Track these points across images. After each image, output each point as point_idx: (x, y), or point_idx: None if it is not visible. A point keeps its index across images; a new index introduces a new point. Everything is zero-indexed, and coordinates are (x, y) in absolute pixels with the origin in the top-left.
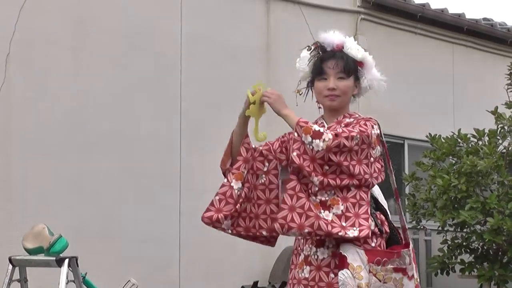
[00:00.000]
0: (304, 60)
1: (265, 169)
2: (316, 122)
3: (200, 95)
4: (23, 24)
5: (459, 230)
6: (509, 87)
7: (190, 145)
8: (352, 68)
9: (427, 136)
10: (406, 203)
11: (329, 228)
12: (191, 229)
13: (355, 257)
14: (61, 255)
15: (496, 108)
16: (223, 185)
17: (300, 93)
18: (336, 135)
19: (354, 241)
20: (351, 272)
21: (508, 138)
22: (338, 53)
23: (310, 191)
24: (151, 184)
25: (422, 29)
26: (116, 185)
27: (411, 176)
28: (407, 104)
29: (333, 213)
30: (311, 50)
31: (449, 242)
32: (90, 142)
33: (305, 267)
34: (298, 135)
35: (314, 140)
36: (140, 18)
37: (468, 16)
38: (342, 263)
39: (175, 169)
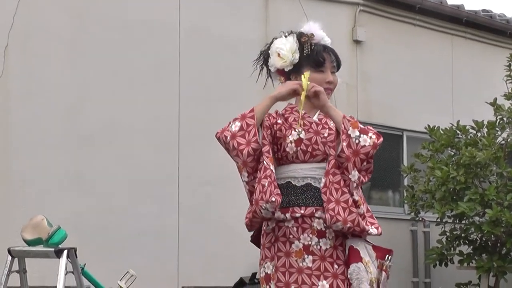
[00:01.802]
0: (290, 48)
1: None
2: (292, 110)
3: (198, 88)
4: (21, 16)
5: (457, 221)
6: (508, 78)
7: (189, 138)
8: (340, 65)
9: (425, 128)
10: (405, 194)
11: (364, 225)
12: (190, 221)
13: (365, 251)
14: (60, 246)
15: (495, 99)
16: (265, 168)
17: (282, 81)
18: (378, 135)
19: (361, 236)
20: (364, 266)
21: (507, 130)
22: (330, 47)
23: (349, 189)
24: (149, 176)
25: (421, 20)
26: (115, 178)
27: (409, 168)
28: (406, 96)
29: (359, 213)
30: (305, 41)
31: (448, 234)
32: (88, 134)
33: (306, 256)
34: (345, 128)
35: (361, 135)
36: (138, 10)
37: (467, 7)
38: (355, 256)
39: (174, 162)
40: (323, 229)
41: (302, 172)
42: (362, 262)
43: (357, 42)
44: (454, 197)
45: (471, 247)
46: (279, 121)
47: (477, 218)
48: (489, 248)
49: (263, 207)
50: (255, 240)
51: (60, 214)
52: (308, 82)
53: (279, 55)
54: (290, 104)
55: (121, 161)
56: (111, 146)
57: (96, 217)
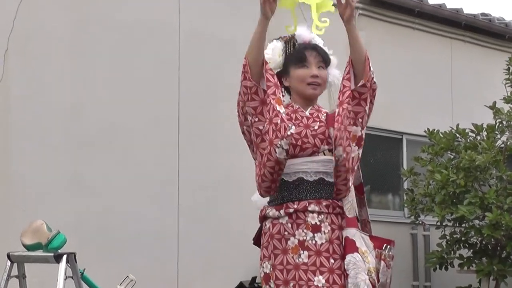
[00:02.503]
0: (276, 50)
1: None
2: (288, 105)
3: (198, 91)
4: (21, 20)
5: (457, 225)
6: (507, 82)
7: (188, 141)
8: (329, 60)
9: (425, 131)
10: (405, 198)
11: (350, 165)
12: (190, 224)
13: (361, 241)
14: (59, 251)
15: (495, 103)
16: (273, 109)
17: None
18: None
19: (356, 226)
20: (361, 256)
21: (507, 133)
22: (314, 44)
23: (361, 121)
24: (149, 178)
25: (420, 24)
26: (114, 181)
27: (409, 171)
28: (406, 99)
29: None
30: (287, 41)
31: (448, 237)
32: (88, 137)
33: (302, 252)
34: (369, 59)
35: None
36: (138, 12)
37: (466, 11)
38: (351, 247)
39: (174, 164)
40: (318, 223)
41: (293, 167)
42: (358, 252)
43: None
44: (454, 200)
45: (471, 250)
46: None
47: (477, 222)
48: (489, 252)
49: (278, 145)
50: (258, 242)
51: (60, 216)
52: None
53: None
54: (288, 102)
55: (121, 163)
56: (111, 148)
57: (96, 219)
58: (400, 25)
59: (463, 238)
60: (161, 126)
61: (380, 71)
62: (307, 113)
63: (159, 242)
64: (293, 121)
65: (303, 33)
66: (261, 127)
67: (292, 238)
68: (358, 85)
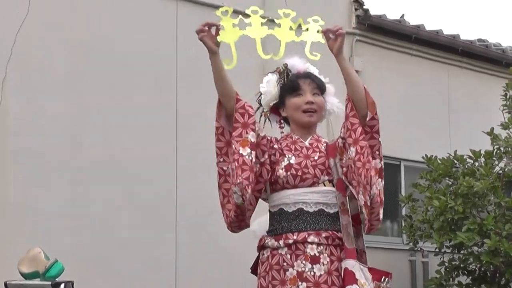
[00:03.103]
0: (271, 82)
1: (262, 159)
2: (287, 136)
3: (196, 118)
4: (19, 48)
5: (456, 251)
6: (504, 108)
7: (186, 167)
8: (323, 88)
9: (423, 157)
10: (403, 224)
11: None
12: (187, 251)
13: (360, 273)
14: (57, 279)
15: (492, 129)
16: (233, 152)
17: (268, 115)
18: None
19: (355, 258)
20: None
21: (504, 159)
22: (308, 72)
23: (378, 153)
24: (147, 207)
25: (417, 50)
26: (112, 208)
27: (407, 198)
28: (403, 125)
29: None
30: (281, 71)
31: (447, 264)
32: (86, 165)
33: (300, 283)
34: (368, 92)
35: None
36: (135, 40)
37: (463, 37)
38: (350, 278)
39: (172, 192)
40: (317, 254)
41: (293, 198)
42: (357, 284)
43: None
44: (453, 227)
45: (470, 277)
46: (275, 146)
47: (475, 248)
48: (488, 279)
49: (233, 190)
50: (255, 271)
51: (58, 245)
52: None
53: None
54: (287, 132)
55: (119, 191)
56: (109, 176)
57: (94, 247)
58: (397, 51)
59: (462, 265)
60: (159, 153)
61: (377, 97)
62: (306, 143)
63: (157, 270)
64: (292, 151)
65: (297, 63)
66: (225, 168)
67: (290, 269)
68: (367, 120)
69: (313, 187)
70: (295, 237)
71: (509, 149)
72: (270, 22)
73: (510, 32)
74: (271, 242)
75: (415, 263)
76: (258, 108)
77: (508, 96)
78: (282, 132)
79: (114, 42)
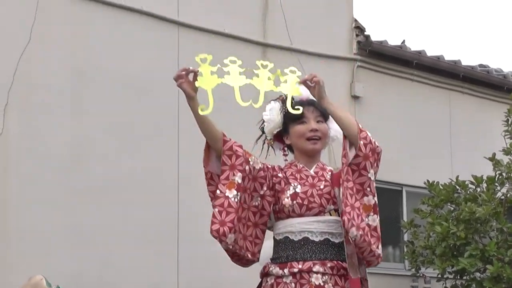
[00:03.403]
0: (274, 110)
1: (262, 192)
2: (292, 164)
3: (197, 142)
4: (21, 74)
5: (458, 277)
6: (506, 133)
7: (188, 193)
8: (327, 115)
9: (425, 183)
10: (405, 250)
11: (369, 237)
12: (189, 277)
13: None
14: None
15: (494, 154)
16: (217, 197)
17: (272, 143)
18: None
19: (361, 284)
20: None
21: (507, 185)
22: (311, 99)
23: (369, 190)
24: (149, 230)
25: (419, 76)
26: (114, 232)
27: (409, 223)
28: (405, 151)
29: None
30: (284, 98)
31: None
32: (87, 189)
33: None
34: (362, 127)
35: (372, 138)
36: (137, 66)
37: (464, 62)
38: None
39: (173, 216)
40: (322, 284)
41: (299, 226)
42: None
43: (355, 97)
44: (455, 252)
45: None
46: (279, 175)
47: (478, 274)
48: None
49: (213, 235)
50: None
51: (59, 269)
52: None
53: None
54: (291, 160)
55: (120, 215)
56: (111, 200)
57: (95, 272)
58: (399, 77)
59: None
60: (160, 178)
61: (378, 123)
62: (312, 171)
63: None
64: (298, 180)
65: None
66: None
67: None
68: (352, 159)
69: (319, 216)
70: (300, 266)
71: (511, 175)
72: (248, 72)
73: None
74: (275, 270)
75: None
76: (261, 136)
77: (509, 122)
78: (286, 160)
79: (115, 68)
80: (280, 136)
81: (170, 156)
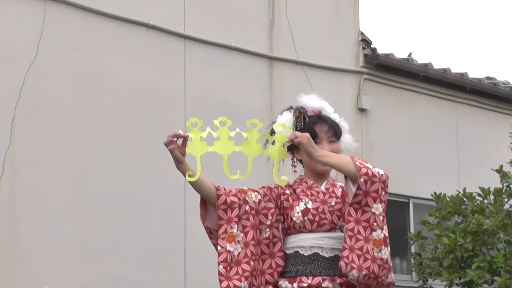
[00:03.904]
0: (288, 122)
1: (268, 222)
2: (302, 181)
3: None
4: (28, 88)
5: None
6: None
7: (195, 206)
8: (340, 132)
9: (432, 195)
10: (412, 262)
11: (380, 271)
12: (196, 287)
13: None
14: None
15: (501, 166)
16: (219, 253)
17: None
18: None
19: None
20: None
21: None
22: (325, 117)
23: (376, 224)
24: (156, 245)
25: (425, 88)
26: (121, 246)
27: (416, 235)
28: (412, 163)
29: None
30: (297, 115)
31: None
32: (94, 203)
33: None
34: (360, 163)
35: (375, 168)
36: (144, 80)
37: (471, 75)
38: None
39: (180, 230)
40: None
41: (310, 242)
42: None
43: (362, 110)
44: (462, 264)
45: None
46: (287, 192)
47: (486, 286)
48: None
49: None
50: None
51: (67, 282)
52: (286, 133)
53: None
54: (300, 176)
55: (127, 229)
56: (118, 214)
57: (103, 285)
58: (405, 90)
59: None
60: (167, 192)
61: (385, 135)
62: (322, 188)
63: None
64: (309, 196)
65: (313, 103)
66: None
67: None
68: (352, 199)
69: (330, 232)
70: (309, 281)
71: None
72: (238, 134)
73: None
74: (284, 284)
75: None
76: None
77: None
78: (295, 171)
79: (122, 82)
80: (291, 150)
81: (176, 170)
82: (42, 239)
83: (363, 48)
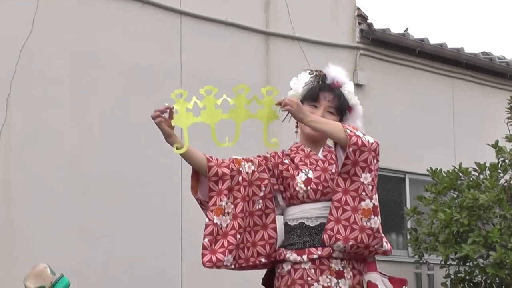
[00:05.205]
0: (301, 81)
1: (261, 193)
2: (298, 149)
3: (200, 133)
4: (23, 65)
5: (462, 264)
6: (509, 120)
7: None
8: (342, 110)
9: (428, 170)
10: (408, 237)
11: (370, 240)
12: (194, 269)
13: (382, 286)
14: None
15: (497, 141)
16: (206, 225)
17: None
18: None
19: (377, 270)
20: None
21: (509, 172)
22: (336, 89)
23: (365, 194)
24: (152, 225)
25: (422, 63)
26: (117, 225)
27: (412, 211)
28: (408, 139)
29: (371, 227)
30: (312, 75)
31: (452, 276)
32: (90, 182)
33: None
34: (350, 131)
35: (365, 136)
36: (139, 56)
37: (467, 50)
38: None
39: (177, 210)
40: (341, 269)
41: (315, 212)
42: None
43: (358, 85)
44: (458, 239)
45: None
46: (285, 161)
47: (481, 261)
48: None
49: (207, 267)
50: (267, 283)
51: (63, 262)
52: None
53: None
54: (295, 143)
55: (124, 209)
56: (114, 194)
57: (99, 265)
58: (401, 65)
59: (467, 277)
60: (164, 171)
61: (381, 111)
62: (320, 155)
63: (162, 287)
64: (308, 165)
65: (337, 75)
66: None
67: (315, 284)
68: (340, 168)
69: (328, 202)
70: (319, 253)
71: None
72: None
73: None
74: (292, 256)
75: (420, 276)
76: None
77: None
78: (296, 131)
79: (117, 58)
80: None
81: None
82: (38, 217)
83: (359, 24)
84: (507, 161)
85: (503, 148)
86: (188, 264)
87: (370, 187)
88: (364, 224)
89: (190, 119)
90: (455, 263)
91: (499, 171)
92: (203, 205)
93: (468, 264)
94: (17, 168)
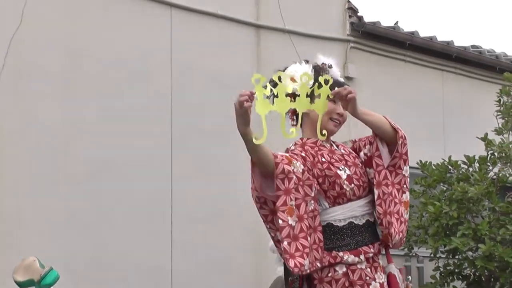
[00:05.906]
0: (308, 72)
1: (313, 194)
2: (316, 144)
3: (190, 123)
4: (13, 56)
5: (451, 257)
6: (498, 113)
7: (182, 173)
8: None
9: (417, 163)
10: None
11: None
12: (183, 257)
13: (398, 276)
14: (52, 287)
15: (486, 134)
16: (282, 227)
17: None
18: None
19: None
20: None
21: (499, 165)
22: (343, 82)
23: (406, 186)
24: (142, 213)
25: (412, 56)
26: (107, 216)
27: None
28: None
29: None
30: (323, 68)
31: (442, 269)
32: (80, 172)
33: None
34: (394, 124)
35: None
36: (130, 47)
37: (457, 43)
38: (395, 282)
39: (167, 198)
40: (382, 264)
41: (360, 210)
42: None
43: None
44: (447, 232)
45: (465, 282)
46: (323, 159)
47: (470, 253)
48: (482, 283)
49: (295, 272)
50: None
51: (53, 252)
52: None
53: (292, 78)
54: (307, 139)
55: (113, 197)
56: (104, 182)
57: (89, 254)
58: (392, 58)
59: (456, 270)
60: (153, 159)
61: (371, 104)
62: (341, 149)
63: (153, 277)
64: (340, 162)
65: (335, 72)
66: (273, 234)
67: (373, 283)
68: (390, 161)
69: (367, 197)
70: (372, 250)
71: (503, 155)
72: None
73: (503, 38)
74: (350, 258)
75: (410, 269)
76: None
77: (501, 102)
78: (293, 125)
79: (107, 50)
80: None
81: (163, 135)
82: (27, 208)
83: (350, 16)
84: (496, 154)
85: (492, 141)
86: (177, 252)
87: (408, 179)
88: (406, 216)
89: (267, 106)
90: (444, 256)
91: (488, 164)
92: (266, 204)
93: (457, 257)
94: (8, 158)
